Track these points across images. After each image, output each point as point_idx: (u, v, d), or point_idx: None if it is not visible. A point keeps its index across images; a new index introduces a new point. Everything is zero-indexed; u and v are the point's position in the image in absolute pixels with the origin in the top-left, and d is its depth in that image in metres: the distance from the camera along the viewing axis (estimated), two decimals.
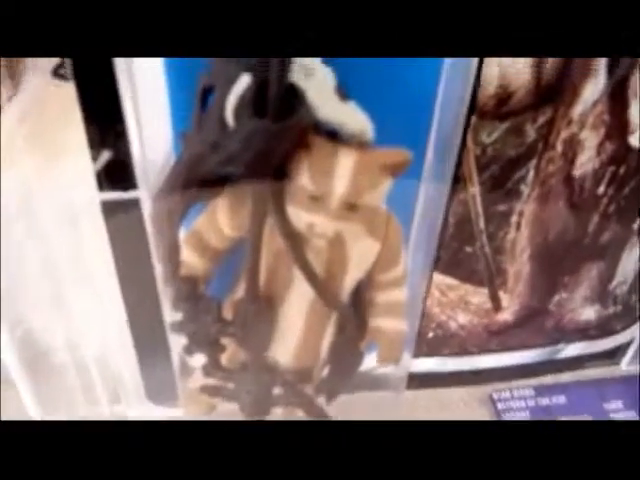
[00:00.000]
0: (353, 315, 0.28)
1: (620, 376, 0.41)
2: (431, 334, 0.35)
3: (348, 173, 0.22)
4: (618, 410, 0.39)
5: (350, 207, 0.22)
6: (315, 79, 0.21)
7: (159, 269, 0.26)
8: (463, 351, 0.37)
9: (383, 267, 0.26)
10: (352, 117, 0.21)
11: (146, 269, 0.27)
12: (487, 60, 0.25)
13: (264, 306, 0.26)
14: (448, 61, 0.24)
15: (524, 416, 0.38)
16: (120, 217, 0.26)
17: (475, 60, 0.24)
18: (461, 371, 0.37)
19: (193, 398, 0.30)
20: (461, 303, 0.34)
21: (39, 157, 0.27)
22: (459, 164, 0.28)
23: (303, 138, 0.21)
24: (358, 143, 0.22)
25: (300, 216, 0.23)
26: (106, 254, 0.27)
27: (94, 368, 0.34)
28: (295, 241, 0.23)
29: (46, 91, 0.29)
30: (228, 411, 0.30)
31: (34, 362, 0.34)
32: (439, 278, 0.32)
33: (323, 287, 0.25)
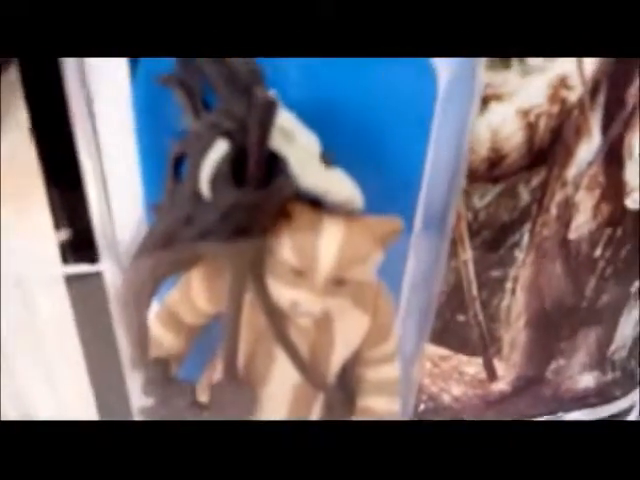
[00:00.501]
0: (341, 395, 0.25)
1: None
2: (422, 407, 0.33)
3: (335, 245, 0.20)
4: None
5: (338, 282, 0.20)
6: (297, 145, 0.19)
7: (126, 351, 0.24)
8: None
9: (373, 342, 0.24)
10: (338, 185, 0.20)
11: (113, 350, 0.24)
12: (478, 123, 0.24)
13: (243, 388, 0.23)
14: (436, 123, 0.22)
15: None
16: (84, 291, 0.24)
17: (467, 123, 0.23)
18: None
19: None
20: (454, 374, 0.32)
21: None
22: (451, 228, 0.26)
23: (285, 208, 0.19)
24: (345, 212, 0.20)
25: (282, 292, 0.21)
26: (69, 334, 0.24)
27: None
28: (277, 319, 0.21)
29: (20, 148, 0.27)
30: None
31: None
32: (431, 349, 0.30)
33: (308, 368, 0.23)
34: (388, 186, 0.22)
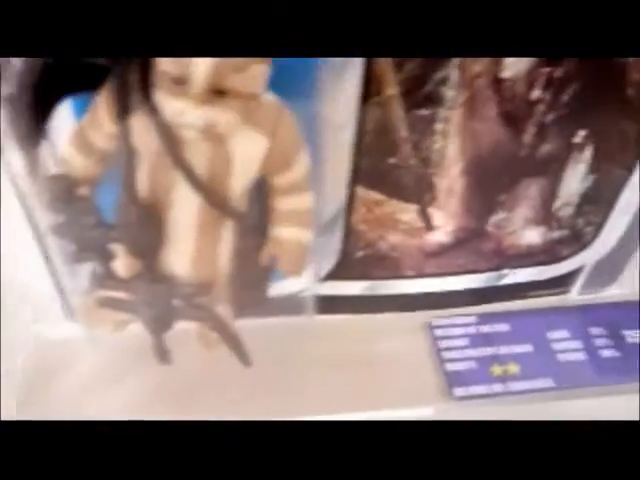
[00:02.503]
0: (253, 222, 0.26)
1: (569, 306, 0.39)
2: (360, 253, 0.33)
3: None
4: (562, 339, 0.37)
5: (217, 92, 0.20)
6: None
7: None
8: (398, 274, 0.35)
9: (276, 168, 0.24)
10: None
11: None
12: None
13: (147, 210, 0.24)
14: None
15: (463, 344, 0.37)
16: None
17: None
18: (396, 295, 0.36)
19: (94, 313, 0.29)
20: (390, 221, 0.32)
21: None
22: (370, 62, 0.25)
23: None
24: None
25: (166, 104, 0.21)
26: None
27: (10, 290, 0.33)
28: (169, 136, 0.21)
29: None
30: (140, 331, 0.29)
31: None
32: (363, 192, 0.30)
33: (208, 189, 0.23)
34: None
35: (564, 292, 0.39)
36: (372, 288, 0.36)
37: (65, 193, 0.23)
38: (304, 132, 0.26)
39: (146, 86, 0.20)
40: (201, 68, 0.19)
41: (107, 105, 0.23)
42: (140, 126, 0.22)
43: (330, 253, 0.33)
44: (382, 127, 0.28)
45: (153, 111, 0.21)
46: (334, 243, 0.32)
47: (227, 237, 0.25)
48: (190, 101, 0.20)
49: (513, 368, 0.36)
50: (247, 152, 0.23)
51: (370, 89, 0.26)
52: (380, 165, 0.29)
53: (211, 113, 0.20)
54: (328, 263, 0.33)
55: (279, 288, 0.32)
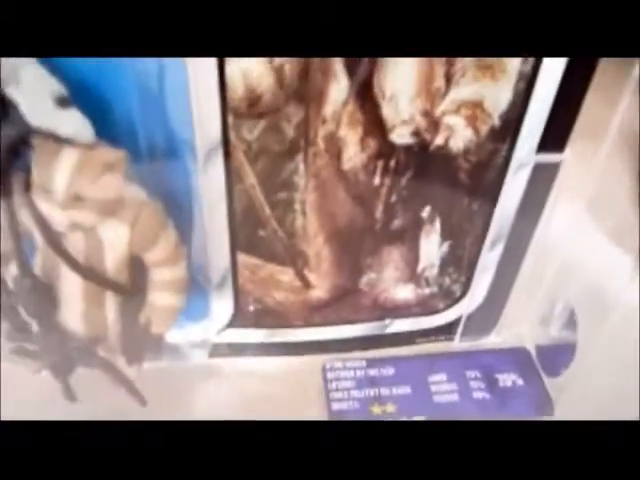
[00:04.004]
0: (132, 291, 0.31)
1: (451, 351, 0.44)
2: (252, 307, 0.39)
3: (68, 169, 0.25)
4: (440, 382, 0.42)
5: (77, 198, 0.26)
6: (30, 91, 0.24)
7: None
8: (288, 324, 0.40)
9: (143, 247, 0.30)
10: (70, 123, 0.25)
11: None
12: (228, 63, 0.28)
13: (40, 281, 0.30)
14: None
15: (350, 385, 0.42)
16: None
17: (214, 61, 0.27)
18: (289, 343, 0.41)
19: (12, 359, 0.35)
20: (272, 281, 0.37)
21: None
22: (228, 157, 0.31)
23: (25, 140, 0.25)
24: (80, 144, 0.26)
25: (41, 207, 0.27)
26: None
27: None
28: (46, 229, 0.27)
29: None
30: None
31: None
32: (244, 258, 0.36)
33: (85, 269, 0.29)
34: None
35: (447, 339, 0.44)
36: (270, 335, 0.41)
37: None
38: (186, 208, 0.32)
39: (26, 189, 0.26)
40: (61, 180, 0.25)
41: None
42: (24, 218, 0.28)
43: (225, 307, 0.38)
44: (249, 207, 0.33)
45: (32, 210, 0.27)
46: (227, 299, 0.38)
47: (110, 302, 0.31)
48: (54, 206, 0.26)
49: (390, 408, 0.40)
50: (114, 238, 0.29)
51: (232, 179, 0.32)
52: (253, 236, 0.35)
53: (74, 214, 0.26)
54: (225, 315, 0.39)
55: (181, 335, 0.38)
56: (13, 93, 0.24)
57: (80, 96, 0.25)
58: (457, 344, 0.44)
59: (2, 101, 0.24)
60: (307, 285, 0.38)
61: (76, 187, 0.26)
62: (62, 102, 0.25)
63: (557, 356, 0.44)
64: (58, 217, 0.26)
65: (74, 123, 0.25)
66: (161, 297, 0.31)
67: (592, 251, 0.41)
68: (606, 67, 0.31)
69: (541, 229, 0.39)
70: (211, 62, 0.28)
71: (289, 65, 0.28)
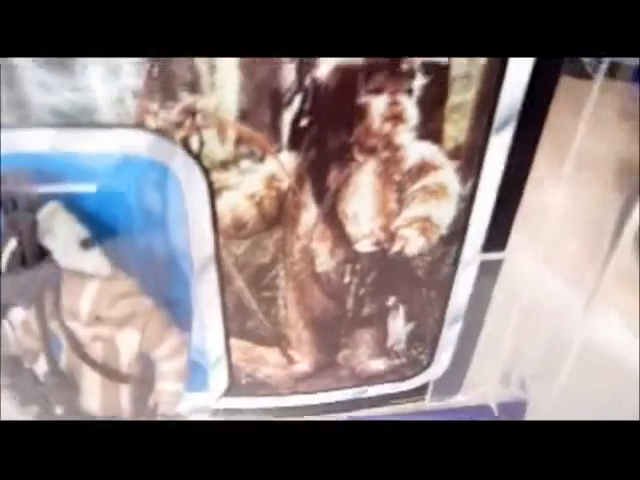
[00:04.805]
0: (144, 383, 0.38)
1: (423, 410, 0.50)
2: (244, 380, 0.45)
3: (90, 297, 0.32)
4: None
5: (97, 318, 0.32)
6: (60, 239, 0.31)
7: None
8: (277, 393, 0.46)
9: (151, 346, 0.36)
10: (91, 262, 0.31)
11: None
12: (219, 203, 0.34)
13: (65, 377, 0.36)
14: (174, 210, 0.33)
15: None
16: None
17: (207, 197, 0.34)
18: (279, 407, 0.47)
19: None
20: (261, 360, 0.43)
21: None
22: (219, 267, 0.37)
23: (59, 275, 0.31)
24: (100, 276, 0.32)
25: (69, 324, 0.33)
26: None
27: None
28: (72, 341, 0.34)
29: None
30: None
31: None
32: (236, 342, 0.42)
33: (103, 369, 0.35)
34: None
35: (420, 400, 0.50)
36: (262, 402, 0.47)
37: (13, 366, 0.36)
38: (187, 305, 0.38)
39: (57, 308, 0.33)
40: (85, 306, 0.32)
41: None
42: (54, 327, 0.34)
43: (221, 380, 0.45)
44: (239, 304, 0.40)
45: (61, 325, 0.33)
46: (223, 374, 0.44)
47: (124, 391, 0.37)
48: (80, 324, 0.32)
49: None
50: (127, 343, 0.35)
51: (224, 283, 0.38)
52: (243, 325, 0.41)
53: (95, 330, 0.33)
54: (221, 387, 0.45)
55: (184, 403, 0.44)
56: (47, 242, 0.30)
57: (100, 237, 0.32)
58: (427, 404, 0.50)
59: (40, 249, 0.30)
60: (291, 361, 0.44)
61: (97, 311, 0.32)
62: (86, 245, 0.31)
63: (513, 411, 0.50)
64: (82, 332, 0.33)
65: (95, 261, 0.31)
66: (167, 385, 0.38)
67: (547, 300, 0.47)
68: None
69: (495, 305, 0.45)
70: (204, 196, 0.34)
71: (268, 200, 0.35)
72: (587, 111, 0.36)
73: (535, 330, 0.49)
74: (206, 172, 0.33)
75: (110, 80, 0.29)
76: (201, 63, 0.29)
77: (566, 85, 0.34)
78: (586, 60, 0.45)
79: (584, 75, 0.42)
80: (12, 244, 0.30)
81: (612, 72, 0.46)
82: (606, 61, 0.34)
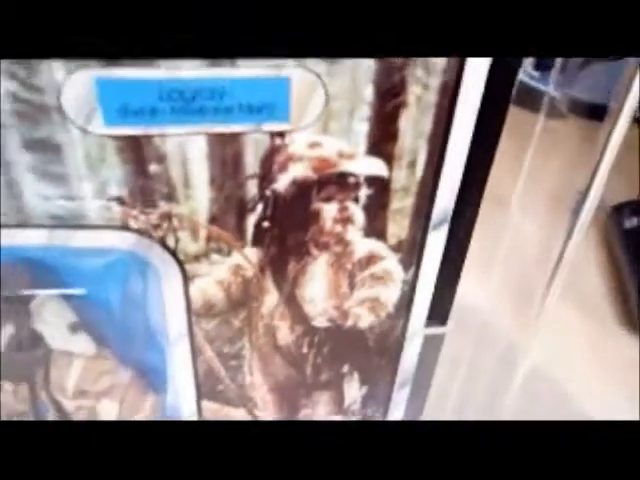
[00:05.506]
0: None
1: None
2: None
3: (77, 375, 0.36)
4: None
5: (82, 393, 0.37)
6: (51, 325, 0.35)
7: None
8: None
9: (129, 413, 0.40)
10: (79, 343, 0.36)
11: None
12: (192, 288, 0.39)
13: None
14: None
15: None
16: None
17: (181, 281, 0.39)
18: None
19: None
20: (230, 418, 0.48)
21: None
22: (191, 339, 0.42)
23: (49, 355, 0.36)
24: (85, 356, 0.37)
25: (55, 395, 0.37)
26: None
27: None
28: (58, 409, 0.38)
29: None
30: None
31: None
32: (207, 404, 0.47)
33: None
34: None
35: None
36: None
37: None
38: (161, 373, 0.43)
39: (45, 382, 0.37)
40: (71, 382, 0.36)
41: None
42: (43, 397, 0.39)
43: None
44: (209, 371, 0.44)
45: (49, 396, 0.38)
46: None
47: None
48: (68, 399, 0.37)
49: None
50: (107, 411, 0.40)
51: (195, 353, 0.43)
52: (213, 389, 0.46)
53: (79, 402, 0.37)
54: None
55: None
56: (40, 328, 0.35)
57: (86, 320, 0.37)
58: None
59: (33, 333, 0.35)
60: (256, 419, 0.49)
61: (82, 386, 0.37)
62: (74, 328, 0.36)
63: None
64: (67, 403, 0.37)
65: (82, 343, 0.36)
66: None
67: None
68: None
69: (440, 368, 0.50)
70: (179, 283, 0.39)
71: (234, 285, 0.40)
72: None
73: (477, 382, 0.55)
74: (180, 264, 0.38)
75: (100, 192, 0.34)
76: (177, 177, 0.34)
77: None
78: None
79: None
80: (9, 330, 0.35)
81: None
82: None
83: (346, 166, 0.35)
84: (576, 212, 0.40)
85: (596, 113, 0.62)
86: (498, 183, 0.40)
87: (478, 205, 0.40)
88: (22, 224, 0.35)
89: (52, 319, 0.36)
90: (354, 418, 0.51)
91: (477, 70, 0.33)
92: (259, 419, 0.34)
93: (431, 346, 0.46)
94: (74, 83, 0.30)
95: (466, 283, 0.43)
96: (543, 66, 1.00)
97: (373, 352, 0.46)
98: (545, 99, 0.90)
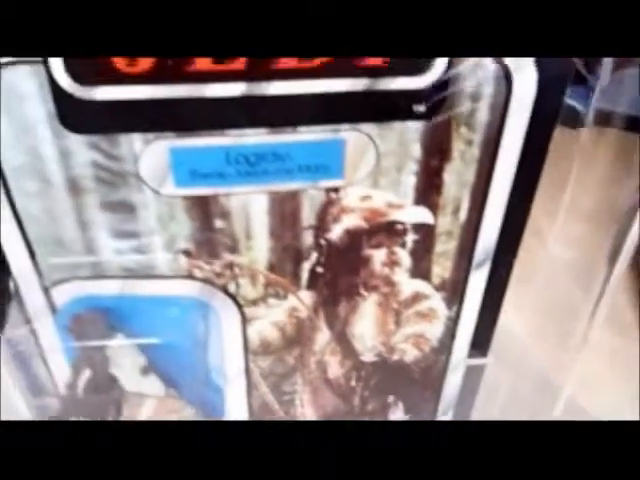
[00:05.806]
0: None
1: None
2: None
3: (147, 415, 0.39)
4: None
5: None
6: (125, 368, 0.38)
7: None
8: None
9: None
10: (150, 385, 0.39)
11: None
12: (250, 331, 0.42)
13: None
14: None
15: None
16: None
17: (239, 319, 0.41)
18: None
19: None
20: None
21: None
22: (248, 376, 0.45)
23: (122, 396, 0.39)
24: (156, 397, 0.39)
25: None
26: None
27: None
28: None
29: None
30: None
31: None
32: None
33: None
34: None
35: None
36: None
37: None
38: (219, 409, 0.46)
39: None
40: (144, 414, 0.39)
41: None
42: None
43: None
44: (263, 404, 0.47)
45: None
46: None
47: None
48: None
49: None
50: None
51: (251, 389, 0.46)
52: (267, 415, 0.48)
53: None
54: None
55: None
56: (115, 371, 0.38)
57: (156, 363, 0.39)
58: None
59: (109, 376, 0.38)
60: None
61: None
62: (145, 371, 0.39)
63: None
64: None
65: (152, 385, 0.39)
66: None
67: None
68: None
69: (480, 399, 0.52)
70: (238, 325, 0.42)
71: (289, 326, 0.42)
72: None
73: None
74: (240, 307, 0.41)
75: (169, 245, 0.37)
76: (240, 230, 0.37)
77: None
78: None
79: None
80: (87, 374, 0.38)
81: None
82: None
83: (395, 215, 0.38)
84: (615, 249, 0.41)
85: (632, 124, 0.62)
86: (535, 213, 0.42)
87: (518, 243, 0.42)
88: (98, 276, 0.38)
89: (126, 363, 0.39)
90: None
91: (517, 125, 0.36)
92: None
93: (472, 376, 0.49)
94: (151, 152, 0.33)
95: (506, 314, 0.46)
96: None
97: (417, 383, 0.48)
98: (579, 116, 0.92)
